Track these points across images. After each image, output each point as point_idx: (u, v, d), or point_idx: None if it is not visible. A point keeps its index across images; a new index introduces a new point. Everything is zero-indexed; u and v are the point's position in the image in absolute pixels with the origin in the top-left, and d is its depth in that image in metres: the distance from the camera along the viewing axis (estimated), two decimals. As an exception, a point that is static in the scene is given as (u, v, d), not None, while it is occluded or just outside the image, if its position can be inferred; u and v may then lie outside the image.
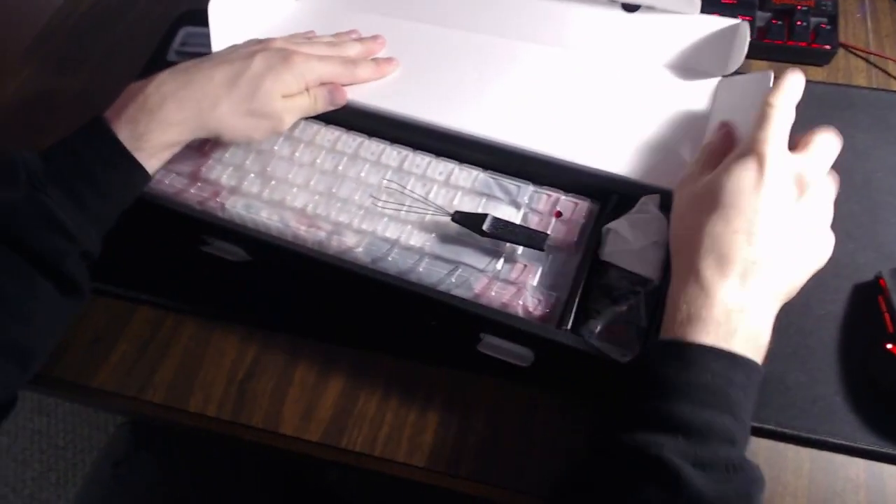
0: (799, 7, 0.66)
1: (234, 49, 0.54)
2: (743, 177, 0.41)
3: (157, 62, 0.68)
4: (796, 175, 0.41)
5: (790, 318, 0.51)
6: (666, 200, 0.50)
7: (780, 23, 0.65)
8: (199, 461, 0.67)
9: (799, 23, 0.65)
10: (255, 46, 0.54)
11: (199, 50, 0.62)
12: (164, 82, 0.49)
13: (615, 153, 0.52)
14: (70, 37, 0.74)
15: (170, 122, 0.49)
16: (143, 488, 0.66)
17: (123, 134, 0.48)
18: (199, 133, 0.51)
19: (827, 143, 0.43)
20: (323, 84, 0.55)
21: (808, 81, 0.62)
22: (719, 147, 0.47)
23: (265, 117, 0.52)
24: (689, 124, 0.53)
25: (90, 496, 0.68)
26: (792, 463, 0.46)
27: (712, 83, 0.55)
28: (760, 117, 0.43)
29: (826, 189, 0.43)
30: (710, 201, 0.41)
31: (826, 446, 0.47)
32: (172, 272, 0.57)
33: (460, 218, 0.49)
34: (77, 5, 0.76)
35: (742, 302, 0.39)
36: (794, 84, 0.45)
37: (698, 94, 0.55)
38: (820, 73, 0.64)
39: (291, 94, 0.53)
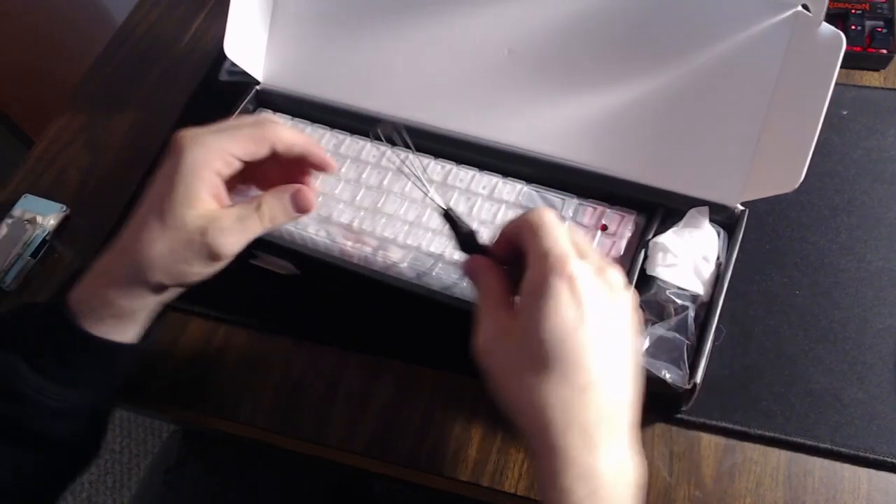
0: (853, 10, 0.64)
1: None
2: (561, 317, 0.34)
3: (209, 85, 0.70)
4: (603, 279, 0.36)
5: (847, 333, 0.49)
6: (715, 212, 0.49)
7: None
8: (247, 470, 0.68)
9: (853, 27, 0.63)
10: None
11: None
12: None
13: (661, 164, 0.51)
14: (117, 72, 0.76)
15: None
16: (193, 496, 0.67)
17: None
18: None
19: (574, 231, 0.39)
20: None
21: (864, 87, 0.62)
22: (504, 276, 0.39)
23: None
24: (741, 131, 0.52)
25: (143, 502, 0.70)
26: (849, 483, 0.45)
27: (769, 84, 0.53)
28: (537, 224, 0.36)
29: (619, 275, 0.37)
30: (535, 360, 0.34)
31: (885, 466, 0.45)
32: (223, 285, 0.58)
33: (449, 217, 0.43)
34: (124, 41, 0.79)
35: (620, 456, 0.34)
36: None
37: (752, 98, 0.53)
38: (877, 79, 0.62)
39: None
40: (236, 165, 0.39)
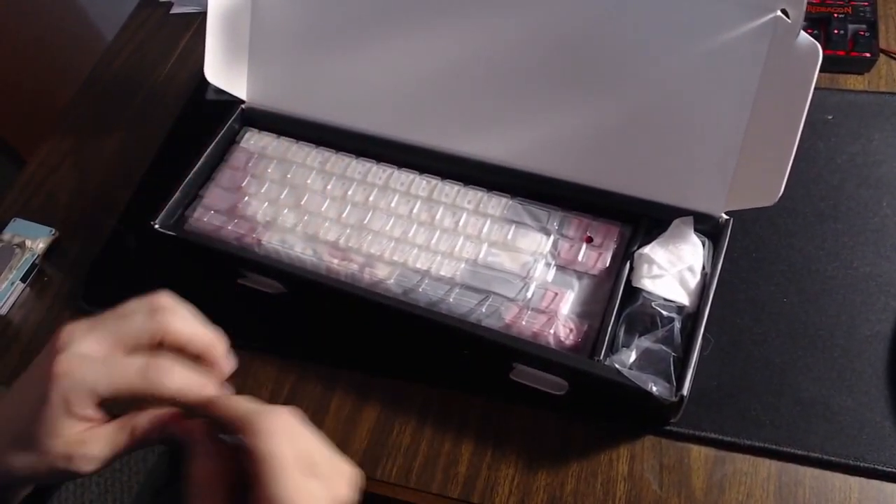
0: (836, 15, 0.64)
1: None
2: None
3: (196, 104, 0.70)
4: None
5: (835, 340, 0.49)
6: (700, 222, 0.49)
7: (815, 32, 0.64)
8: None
9: (836, 31, 0.63)
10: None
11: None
12: None
13: (645, 174, 0.51)
14: (104, 93, 0.76)
15: None
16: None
17: None
18: None
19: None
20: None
21: (848, 91, 0.62)
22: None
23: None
24: (723, 141, 0.52)
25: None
26: (839, 493, 0.44)
27: (749, 94, 0.53)
28: (264, 456, 0.31)
29: None
30: None
31: (875, 474, 0.45)
32: (211, 305, 0.58)
33: None
34: (111, 62, 0.79)
35: None
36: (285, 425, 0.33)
37: (733, 108, 0.53)
38: (861, 82, 0.62)
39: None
40: (108, 401, 0.35)
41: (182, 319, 0.37)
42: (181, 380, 0.35)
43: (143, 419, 0.36)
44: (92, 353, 0.35)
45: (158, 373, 0.34)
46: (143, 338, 0.35)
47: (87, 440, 0.35)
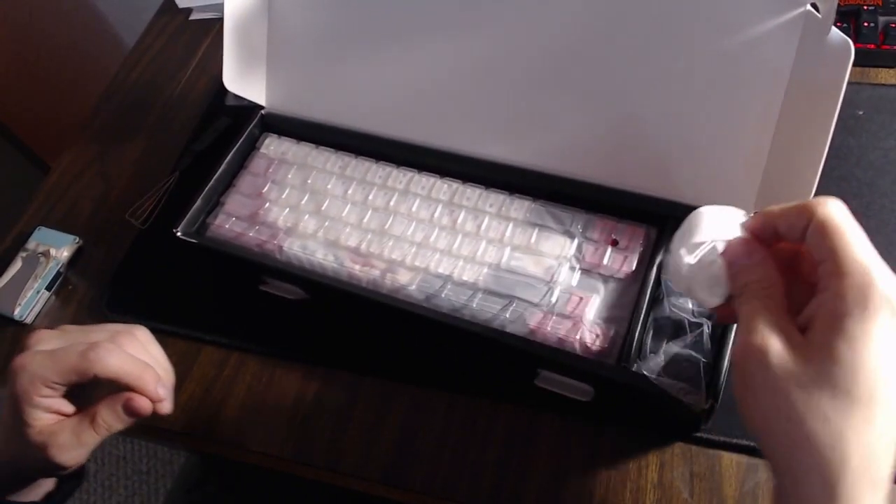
0: (865, 7, 0.62)
1: None
2: (880, 346, 0.29)
3: (215, 110, 0.70)
4: None
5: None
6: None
7: (845, 25, 0.62)
8: (264, 493, 0.68)
9: (866, 24, 0.61)
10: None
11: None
12: None
13: (671, 175, 0.50)
14: (126, 101, 0.77)
15: None
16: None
17: None
18: None
19: None
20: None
21: (879, 86, 0.60)
22: (775, 279, 0.33)
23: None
24: (752, 140, 0.50)
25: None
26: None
27: (780, 89, 0.49)
28: (838, 226, 0.31)
29: None
30: (839, 398, 0.29)
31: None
32: (234, 312, 0.58)
33: None
34: (132, 69, 0.80)
35: None
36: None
37: (762, 106, 0.52)
38: (892, 76, 0.60)
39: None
40: (62, 388, 0.41)
41: (117, 356, 0.40)
42: (118, 359, 0.40)
43: (101, 405, 0.41)
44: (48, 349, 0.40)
45: (97, 353, 0.39)
46: (73, 370, 0.40)
47: (56, 430, 0.40)
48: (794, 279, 0.34)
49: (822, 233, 0.31)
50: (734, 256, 0.34)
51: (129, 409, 0.41)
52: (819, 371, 0.29)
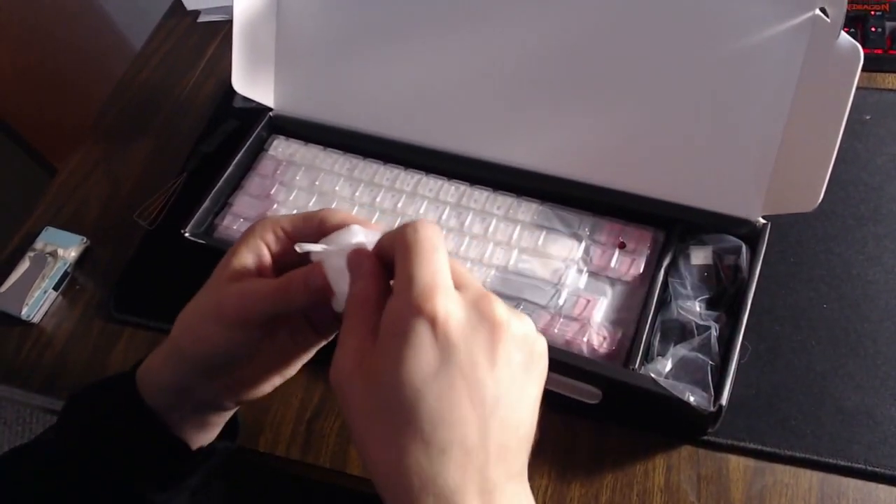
0: (872, 12, 0.62)
1: None
2: (419, 364, 0.28)
3: (224, 111, 0.71)
4: (479, 314, 0.29)
5: (878, 347, 0.48)
6: (737, 226, 0.48)
7: (852, 30, 0.62)
8: (269, 494, 0.68)
9: (873, 29, 0.61)
10: None
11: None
12: None
13: (679, 179, 0.50)
14: (133, 102, 0.77)
15: None
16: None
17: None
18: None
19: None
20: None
21: (886, 91, 0.60)
22: (374, 291, 0.32)
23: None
24: (760, 145, 0.51)
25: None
26: (885, 505, 0.43)
27: (789, 93, 0.49)
28: (409, 243, 0.30)
29: (501, 306, 0.30)
30: (390, 411, 0.28)
31: (924, 487, 0.43)
32: (242, 313, 0.58)
33: None
34: (140, 70, 0.80)
35: None
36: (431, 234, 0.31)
37: (770, 110, 0.52)
38: (899, 81, 0.61)
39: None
40: (284, 240, 0.38)
41: (353, 217, 0.37)
42: (353, 217, 0.36)
43: (296, 271, 0.36)
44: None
45: (329, 208, 0.38)
46: (302, 217, 0.37)
47: (255, 284, 0.36)
48: None
49: (393, 247, 0.31)
50: (349, 266, 0.33)
51: (310, 281, 0.35)
52: (374, 389, 0.29)
